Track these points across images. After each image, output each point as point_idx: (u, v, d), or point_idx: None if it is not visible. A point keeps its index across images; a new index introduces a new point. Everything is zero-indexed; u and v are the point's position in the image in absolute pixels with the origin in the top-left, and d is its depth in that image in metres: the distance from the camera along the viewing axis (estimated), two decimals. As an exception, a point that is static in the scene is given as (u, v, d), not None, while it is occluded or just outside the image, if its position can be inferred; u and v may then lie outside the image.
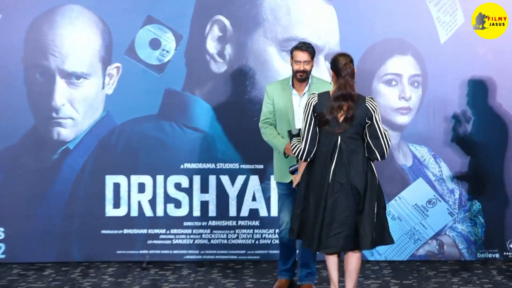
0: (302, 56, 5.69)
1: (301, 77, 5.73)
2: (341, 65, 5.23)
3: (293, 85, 5.84)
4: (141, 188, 7.07)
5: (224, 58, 7.01)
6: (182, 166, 7.04)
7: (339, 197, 5.23)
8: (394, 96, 7.05)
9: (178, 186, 7.06)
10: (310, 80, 5.85)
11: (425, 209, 7.12)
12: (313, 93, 5.28)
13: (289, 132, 5.60)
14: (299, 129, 5.46)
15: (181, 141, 6.97)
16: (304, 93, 5.86)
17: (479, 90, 6.96)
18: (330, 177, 5.23)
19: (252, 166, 7.05)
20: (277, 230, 6.73)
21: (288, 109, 5.81)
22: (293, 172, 5.63)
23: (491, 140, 7.05)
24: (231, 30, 7.00)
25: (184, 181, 7.07)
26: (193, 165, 7.03)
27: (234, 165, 7.06)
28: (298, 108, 5.81)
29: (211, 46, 7.05)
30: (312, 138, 5.25)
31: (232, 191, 7.06)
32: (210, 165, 7.06)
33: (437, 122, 7.08)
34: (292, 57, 5.75)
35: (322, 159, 5.28)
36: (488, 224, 7.14)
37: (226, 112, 7.01)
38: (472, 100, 7.03)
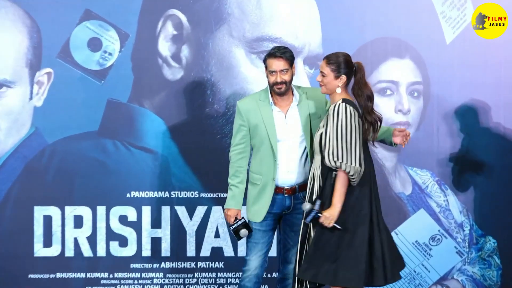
0: (277, 64, 5.13)
1: (279, 91, 5.17)
2: (354, 65, 5.11)
3: (273, 101, 5.30)
4: (78, 222, 6.57)
5: (179, 62, 6.49)
6: (128, 195, 6.56)
7: (381, 217, 5.15)
8: (389, 109, 6.56)
9: (123, 220, 6.58)
10: (295, 91, 5.30)
11: (427, 247, 6.63)
12: (340, 102, 5.00)
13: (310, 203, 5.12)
14: (317, 201, 5.05)
15: (127, 164, 6.52)
16: (290, 108, 5.29)
17: (493, 101, 6.57)
18: (375, 196, 5.13)
19: (215, 195, 6.57)
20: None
21: (271, 133, 5.23)
22: (315, 216, 5.02)
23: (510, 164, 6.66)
24: (189, 27, 6.48)
25: (131, 213, 6.57)
26: (142, 194, 6.56)
27: (192, 194, 6.57)
28: (285, 128, 5.23)
29: (164, 47, 6.50)
30: (361, 153, 5.03)
31: (190, 225, 6.57)
32: (163, 194, 6.56)
33: (442, 141, 6.60)
34: (266, 67, 5.22)
35: (363, 178, 5.04)
36: (505, 266, 6.66)
37: (182, 128, 6.51)
38: (483, 114, 6.62)
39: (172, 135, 6.57)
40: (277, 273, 5.58)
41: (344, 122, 4.98)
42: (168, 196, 6.59)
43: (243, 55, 6.50)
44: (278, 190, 5.30)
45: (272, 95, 5.29)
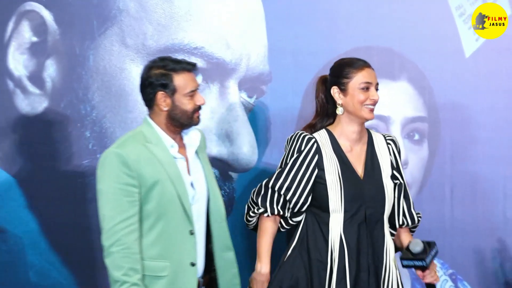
0: (196, 81, 4.54)
1: (198, 120, 4.61)
2: None
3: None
4: None
5: (42, 87, 5.48)
6: (-39, 301, 5.64)
7: None
8: (378, 158, 6.00)
9: None
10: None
11: None
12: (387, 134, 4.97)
13: (410, 251, 4.59)
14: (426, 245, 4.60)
15: (-41, 249, 5.66)
16: (189, 151, 4.63)
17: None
18: None
19: (103, 297, 5.73)
20: None
21: (182, 191, 4.40)
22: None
23: None
24: (57, 31, 5.47)
25: (-36, 332, 5.57)
26: (-15, 297, 5.65)
27: None
28: (190, 183, 4.52)
29: (17, 62, 5.49)
30: None
31: None
32: None
33: (458, 210, 5.56)
34: (174, 88, 4.46)
35: None
36: None
37: (46, 192, 5.43)
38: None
39: (29, 203, 5.44)
40: None
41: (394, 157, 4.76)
42: (26, 300, 5.65)
43: (142, 75, 5.71)
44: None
45: (169, 134, 4.49)
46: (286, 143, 4.57)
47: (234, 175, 5.36)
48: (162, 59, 4.43)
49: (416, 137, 5.57)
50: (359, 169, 4.59)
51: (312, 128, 4.60)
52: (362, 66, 4.60)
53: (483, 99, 5.61)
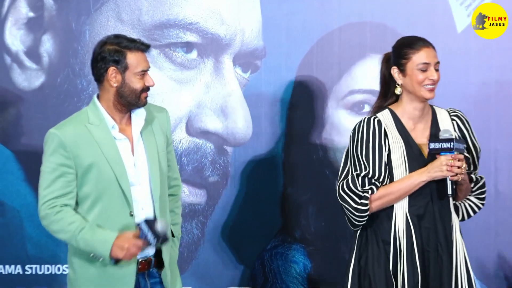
0: (147, 62, 4.59)
1: (146, 101, 4.64)
2: None
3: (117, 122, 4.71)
4: None
5: (39, 61, 5.59)
6: (-41, 272, 5.55)
7: None
8: (370, 136, 5.89)
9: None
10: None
11: None
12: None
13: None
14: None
15: (-44, 221, 5.67)
16: (134, 132, 4.56)
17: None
18: None
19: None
20: None
21: (120, 172, 4.44)
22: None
23: None
24: (53, 6, 5.57)
25: (-39, 302, 5.54)
26: (-19, 269, 5.58)
27: (59, 269, 5.56)
28: (133, 164, 4.49)
29: (14, 37, 5.59)
30: None
31: (61, 320, 5.65)
32: (13, 269, 5.53)
33: None
34: (126, 65, 4.51)
35: None
36: None
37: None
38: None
39: (27, 176, 5.59)
40: None
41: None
42: (21, 273, 5.60)
43: (137, 50, 5.69)
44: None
45: (112, 114, 4.52)
46: (353, 131, 4.51)
47: (229, 149, 5.38)
48: (117, 36, 4.47)
49: (410, 112, 5.47)
50: (424, 148, 4.58)
51: (379, 109, 4.61)
52: (421, 46, 4.62)
53: (474, 74, 5.66)
